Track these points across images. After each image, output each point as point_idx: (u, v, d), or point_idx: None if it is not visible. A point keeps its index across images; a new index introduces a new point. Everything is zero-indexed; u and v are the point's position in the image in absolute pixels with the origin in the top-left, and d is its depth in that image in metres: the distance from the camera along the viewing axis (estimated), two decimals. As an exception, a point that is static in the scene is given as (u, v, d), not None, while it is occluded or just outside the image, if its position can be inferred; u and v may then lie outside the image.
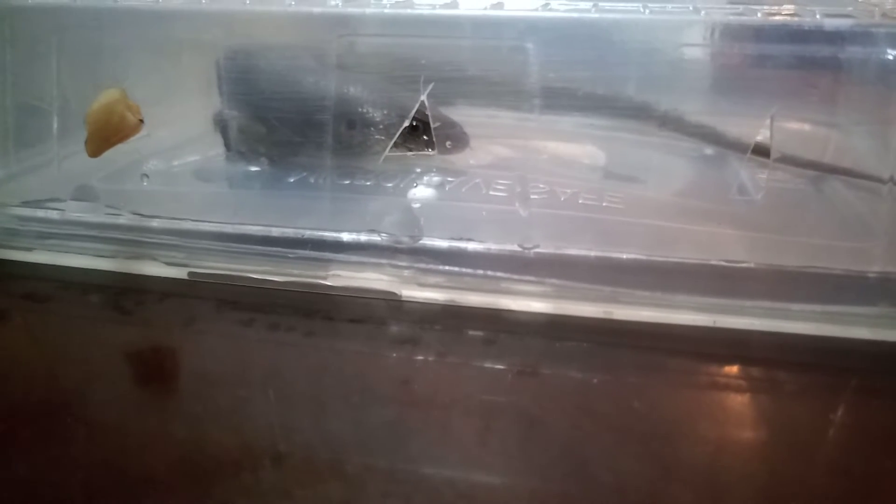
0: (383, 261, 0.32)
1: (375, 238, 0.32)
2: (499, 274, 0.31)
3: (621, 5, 0.31)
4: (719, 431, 0.25)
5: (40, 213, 0.35)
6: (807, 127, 0.36)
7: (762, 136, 0.32)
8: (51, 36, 0.36)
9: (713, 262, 0.30)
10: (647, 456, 0.23)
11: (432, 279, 0.32)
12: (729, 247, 0.30)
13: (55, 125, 0.36)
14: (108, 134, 0.33)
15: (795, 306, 0.29)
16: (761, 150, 0.32)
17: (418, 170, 0.36)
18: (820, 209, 0.35)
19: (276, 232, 0.33)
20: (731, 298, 0.29)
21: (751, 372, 0.28)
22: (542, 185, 0.34)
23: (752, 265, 0.29)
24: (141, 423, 0.25)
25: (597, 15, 0.31)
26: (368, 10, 0.33)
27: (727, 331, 0.29)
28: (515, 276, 0.31)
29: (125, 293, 0.33)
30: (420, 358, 0.28)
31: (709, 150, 0.37)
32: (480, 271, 0.31)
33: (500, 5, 0.31)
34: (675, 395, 0.27)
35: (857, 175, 0.34)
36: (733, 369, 0.28)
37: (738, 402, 0.26)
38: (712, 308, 0.29)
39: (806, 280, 0.29)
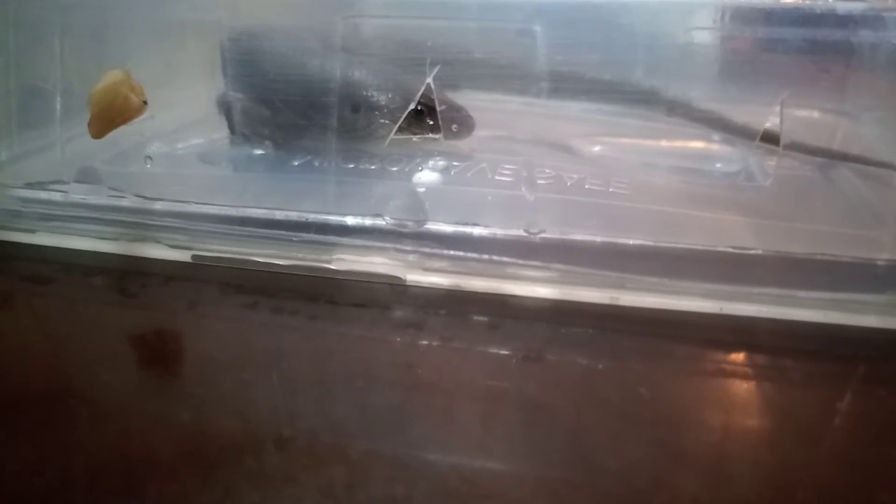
0: (388, 245, 0.32)
1: (380, 222, 0.32)
2: (504, 259, 0.31)
3: (630, -13, 0.31)
4: (725, 418, 0.25)
5: (43, 195, 0.35)
6: (816, 114, 0.36)
7: (771, 122, 0.31)
8: (54, 16, 0.35)
9: (720, 249, 0.29)
10: (652, 442, 0.23)
11: (437, 264, 0.31)
12: (736, 233, 0.30)
13: (58, 107, 0.35)
14: (111, 116, 0.33)
15: (803, 293, 0.29)
16: (770, 137, 0.32)
17: (423, 154, 0.36)
18: (828, 196, 0.35)
19: (280, 215, 0.32)
20: (738, 285, 0.29)
21: (757, 359, 0.27)
22: (548, 170, 0.34)
23: (759, 252, 0.29)
24: (144, 406, 0.25)
25: (605, -3, 0.31)
26: (374, -9, 0.32)
27: (734, 318, 0.29)
28: (521, 262, 0.31)
29: (129, 276, 0.33)
30: (424, 343, 0.28)
31: (716, 136, 0.37)
32: (485, 256, 0.31)
33: (507, -13, 0.31)
34: (681, 382, 0.27)
35: (868, 162, 0.34)
36: (740, 356, 0.28)
37: (745, 389, 0.26)
38: (719, 295, 0.29)
39: (814, 267, 0.29)
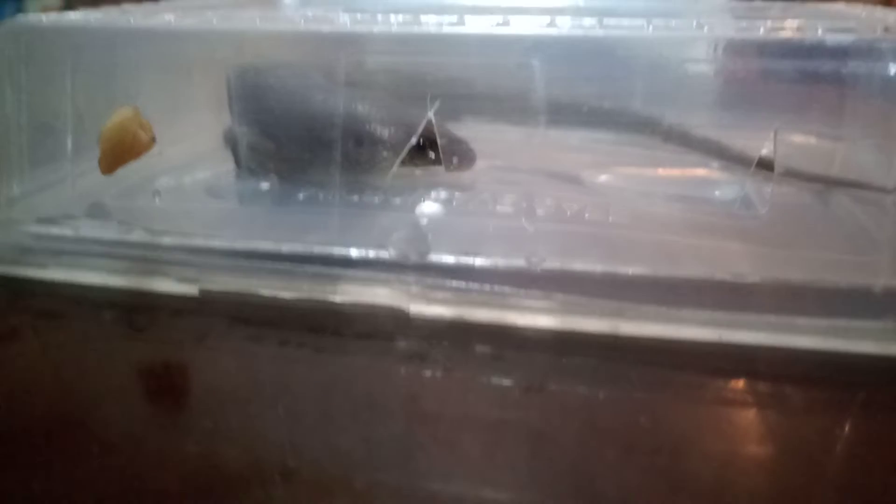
0: (391, 276, 0.32)
1: (384, 254, 0.32)
2: (505, 289, 0.31)
3: (626, 22, 0.31)
4: (725, 446, 0.25)
5: (54, 231, 0.35)
6: (813, 140, 0.36)
7: (767, 149, 0.32)
8: (65, 55, 0.36)
9: (719, 277, 0.30)
10: (653, 471, 0.23)
11: (440, 294, 0.32)
12: (734, 261, 0.30)
13: (69, 143, 0.36)
14: (121, 152, 0.33)
15: (801, 320, 0.29)
16: (766, 164, 0.32)
17: (426, 185, 0.36)
18: (825, 223, 0.35)
19: (285, 248, 0.33)
20: (737, 313, 0.29)
21: (757, 386, 0.28)
22: (548, 201, 0.35)
23: (757, 279, 0.30)
24: (153, 438, 0.25)
25: (602, 32, 0.31)
26: (376, 29, 0.33)
27: (733, 346, 0.29)
28: (522, 292, 0.31)
29: (138, 310, 0.33)
30: (428, 374, 0.28)
31: (714, 164, 0.37)
32: (487, 286, 0.31)
33: (506, 23, 0.32)
34: (682, 411, 0.27)
35: (862, 186, 0.34)
36: (739, 384, 0.28)
37: (745, 416, 0.26)
38: (718, 323, 0.29)
39: (811, 294, 0.29)
